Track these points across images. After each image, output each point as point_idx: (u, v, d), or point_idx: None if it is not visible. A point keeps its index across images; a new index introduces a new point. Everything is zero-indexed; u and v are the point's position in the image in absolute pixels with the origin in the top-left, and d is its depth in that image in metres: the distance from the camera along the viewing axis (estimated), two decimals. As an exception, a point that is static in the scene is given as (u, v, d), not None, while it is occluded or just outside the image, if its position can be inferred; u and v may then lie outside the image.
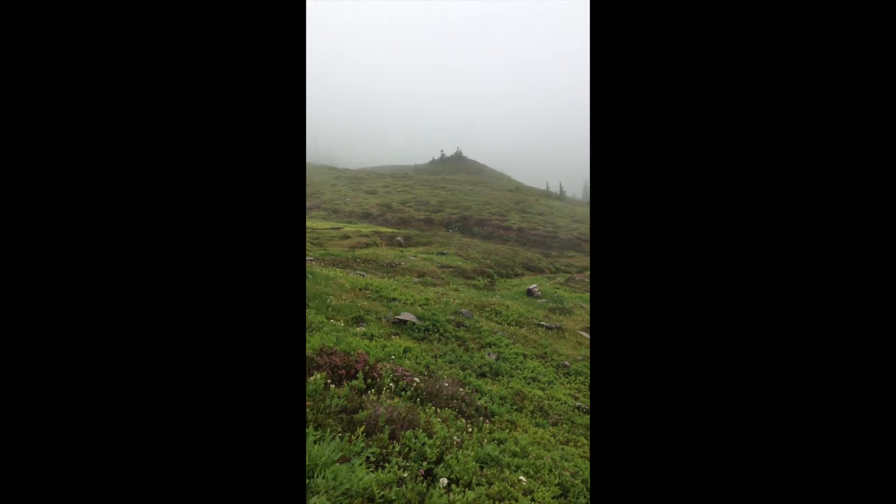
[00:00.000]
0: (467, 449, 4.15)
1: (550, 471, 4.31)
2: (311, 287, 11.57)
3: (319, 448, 2.73)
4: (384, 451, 3.60)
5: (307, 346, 5.92)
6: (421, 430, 4.07)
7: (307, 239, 29.63)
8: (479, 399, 6.30)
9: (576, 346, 11.37)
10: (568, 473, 4.37)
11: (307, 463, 2.58)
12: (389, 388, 5.24)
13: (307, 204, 55.64)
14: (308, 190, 62.57)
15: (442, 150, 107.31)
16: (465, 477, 3.53)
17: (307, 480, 2.44)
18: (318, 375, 4.80)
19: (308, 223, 39.74)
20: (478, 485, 3.49)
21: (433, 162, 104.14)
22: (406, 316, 10.33)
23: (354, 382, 4.90)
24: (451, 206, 49.25)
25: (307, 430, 3.14)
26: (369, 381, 5.25)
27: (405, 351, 7.57)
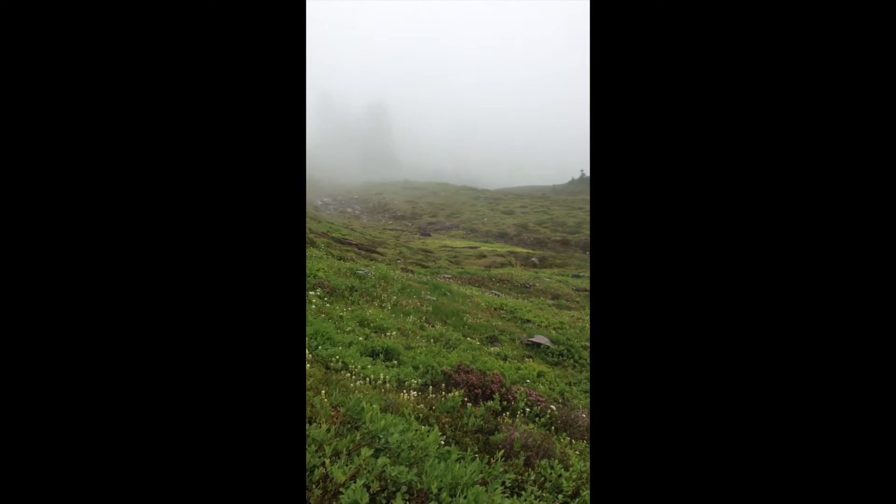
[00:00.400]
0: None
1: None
2: (448, 304, 12.07)
3: (461, 467, 2.87)
4: (520, 477, 3.62)
5: (445, 361, 6.21)
6: (557, 461, 4.01)
7: (446, 257, 30.95)
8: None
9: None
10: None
11: (449, 481, 2.73)
12: (524, 412, 5.24)
13: (447, 223, 58.17)
14: (447, 210, 65.38)
15: (581, 170, 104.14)
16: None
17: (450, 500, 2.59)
18: (457, 393, 5.00)
19: (446, 242, 41.47)
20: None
21: (572, 182, 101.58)
22: (540, 339, 10.21)
23: (490, 403, 5.00)
24: (588, 227, 47.41)
25: (450, 448, 3.30)
26: (504, 403, 5.31)
27: (539, 375, 7.48)
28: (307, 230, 21.74)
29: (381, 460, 2.61)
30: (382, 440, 2.90)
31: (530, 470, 3.78)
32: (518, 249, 37.74)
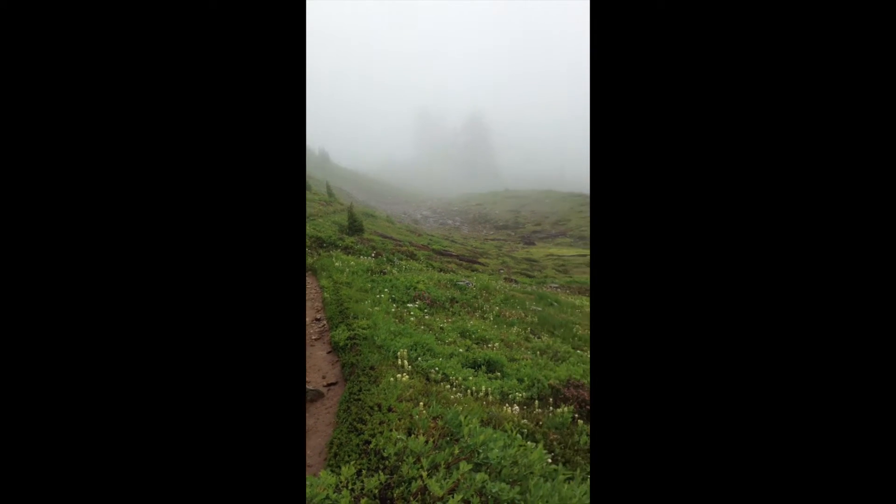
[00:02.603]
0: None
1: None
2: (556, 315, 11.59)
3: (570, 488, 2.60)
4: None
5: (553, 375, 5.88)
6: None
7: (552, 266, 30.08)
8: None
9: None
10: None
11: (556, 502, 2.48)
12: (643, 432, 4.74)
13: (552, 231, 56.74)
14: (553, 217, 63.83)
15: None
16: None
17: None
18: (566, 408, 4.67)
19: (552, 250, 40.37)
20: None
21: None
22: (660, 352, 9.33)
23: (604, 420, 4.59)
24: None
25: (557, 467, 3.04)
26: (620, 421, 4.85)
27: (661, 392, 6.78)
28: (408, 244, 22.51)
29: (481, 476, 2.45)
30: (482, 455, 2.74)
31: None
32: (631, 256, 35.44)
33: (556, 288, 19.53)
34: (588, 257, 33.38)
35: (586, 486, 2.77)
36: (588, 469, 3.72)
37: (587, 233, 50.78)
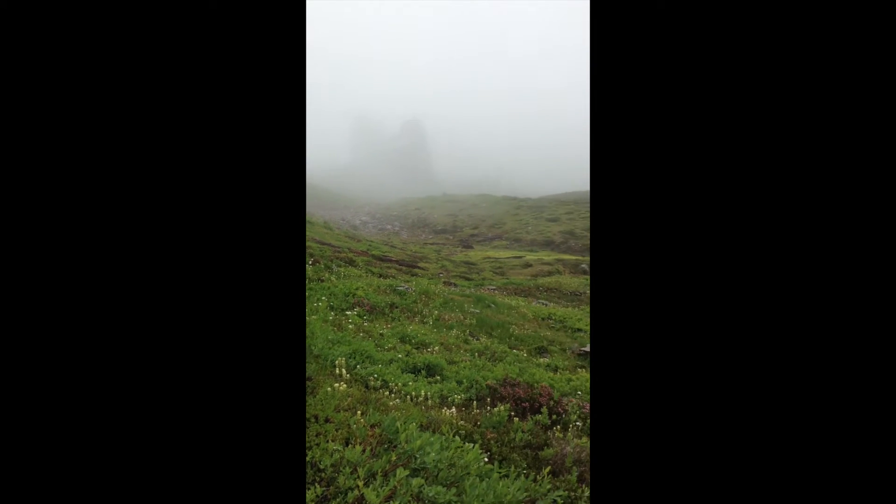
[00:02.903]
0: None
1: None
2: (494, 316, 11.85)
3: (504, 485, 2.69)
4: (572, 494, 3.38)
5: (490, 375, 6.02)
6: (612, 478, 3.73)
7: (490, 268, 30.70)
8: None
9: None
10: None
11: (491, 500, 2.56)
12: (576, 425, 4.97)
13: (489, 234, 57.92)
14: (489, 221, 65.14)
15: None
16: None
17: None
18: (502, 407, 4.80)
19: (490, 253, 41.19)
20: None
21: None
22: (592, 348, 9.79)
23: (539, 417, 4.77)
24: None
25: (491, 466, 3.13)
26: (554, 416, 5.06)
27: (592, 386, 7.13)
28: (347, 250, 22.17)
29: (417, 481, 2.48)
30: (419, 460, 2.77)
31: (584, 486, 3.53)
32: (566, 257, 36.95)
33: (494, 290, 19.96)
34: (522, 259, 34.37)
35: (521, 482, 2.87)
36: (524, 465, 3.85)
37: (522, 235, 52.24)
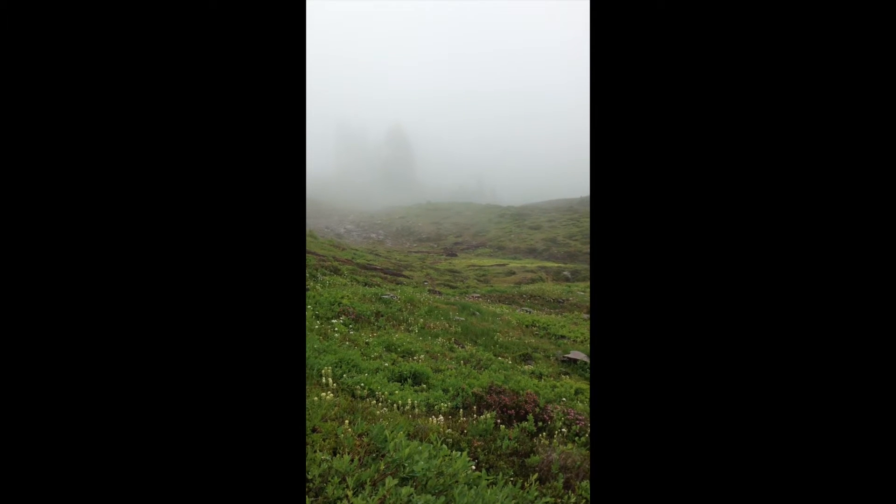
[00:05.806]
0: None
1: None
2: (478, 324, 11.88)
3: (493, 493, 2.71)
4: (559, 500, 3.42)
5: (476, 383, 6.04)
6: (598, 483, 3.78)
7: (474, 276, 30.78)
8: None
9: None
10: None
11: (481, 507, 2.58)
12: (562, 432, 5.01)
13: (473, 242, 58.13)
14: (472, 229, 65.40)
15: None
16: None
17: None
18: (488, 415, 4.83)
19: (473, 261, 41.32)
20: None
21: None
22: (576, 354, 9.90)
23: (525, 424, 4.81)
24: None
25: (479, 473, 3.15)
26: (540, 423, 5.10)
27: (577, 392, 7.20)
28: (332, 258, 22.02)
29: (406, 490, 2.48)
30: (408, 468, 2.78)
31: (570, 492, 3.57)
32: (548, 264, 37.24)
33: (478, 297, 20.01)
34: (506, 266, 34.54)
35: (508, 490, 2.90)
36: (511, 473, 3.87)
37: (505, 243, 52.53)
